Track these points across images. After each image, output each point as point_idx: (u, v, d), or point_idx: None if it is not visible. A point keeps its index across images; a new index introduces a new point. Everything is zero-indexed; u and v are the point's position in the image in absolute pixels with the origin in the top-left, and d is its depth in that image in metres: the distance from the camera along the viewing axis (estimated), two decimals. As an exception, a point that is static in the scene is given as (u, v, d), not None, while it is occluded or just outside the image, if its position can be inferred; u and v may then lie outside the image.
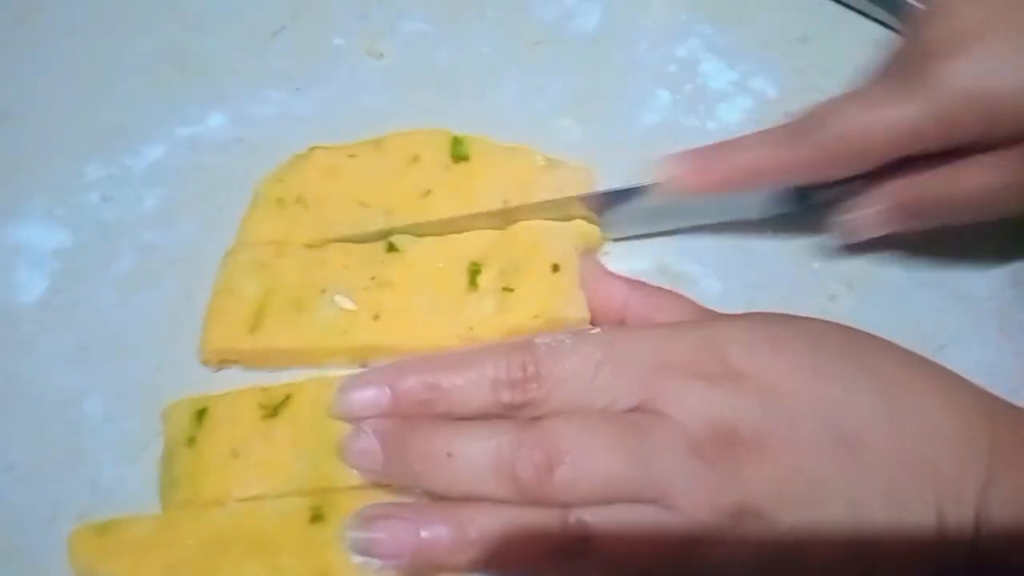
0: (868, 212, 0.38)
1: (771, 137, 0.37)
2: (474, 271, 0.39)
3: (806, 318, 0.33)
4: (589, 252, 0.40)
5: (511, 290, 0.38)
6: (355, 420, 0.34)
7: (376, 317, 0.39)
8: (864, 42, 0.48)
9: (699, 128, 0.47)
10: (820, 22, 0.51)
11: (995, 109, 0.34)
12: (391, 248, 0.41)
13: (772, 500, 0.29)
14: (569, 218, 0.40)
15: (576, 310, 0.37)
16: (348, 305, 0.39)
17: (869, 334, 0.33)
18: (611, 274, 0.39)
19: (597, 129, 0.47)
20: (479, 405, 0.32)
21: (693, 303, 0.37)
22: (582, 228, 0.40)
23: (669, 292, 0.38)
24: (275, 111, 0.49)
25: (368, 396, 0.33)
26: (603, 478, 0.30)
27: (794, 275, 0.41)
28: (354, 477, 0.34)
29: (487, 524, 0.30)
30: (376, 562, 0.31)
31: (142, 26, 0.52)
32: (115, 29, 0.52)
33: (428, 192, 0.42)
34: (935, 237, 0.41)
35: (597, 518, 0.30)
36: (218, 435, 0.36)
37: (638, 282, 0.39)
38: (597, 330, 0.34)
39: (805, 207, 0.40)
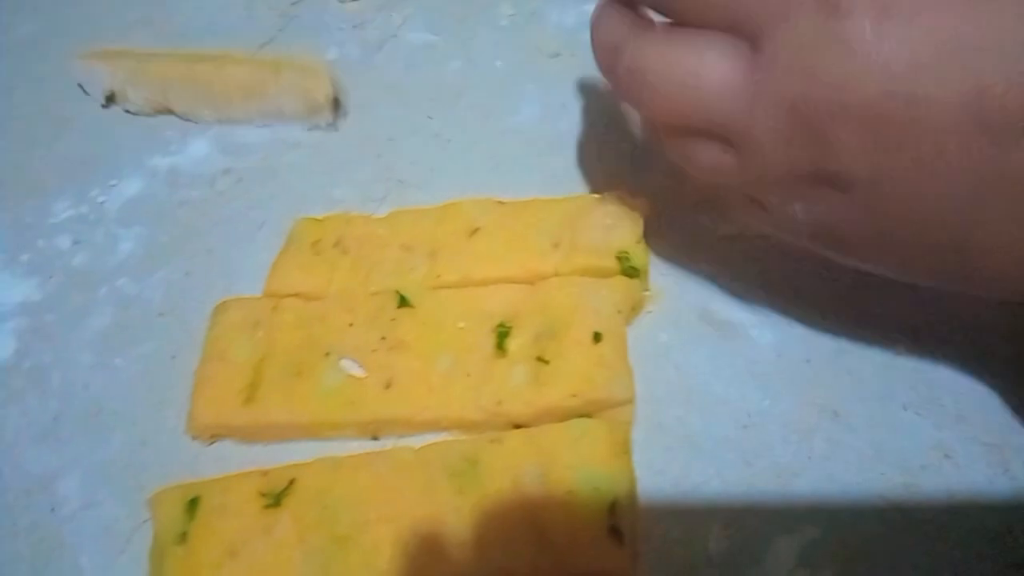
0: None
1: None
2: (502, 334, 0.34)
3: None
4: (633, 313, 0.36)
5: (546, 361, 0.33)
6: None
7: (388, 385, 0.34)
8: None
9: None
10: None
11: None
12: (403, 302, 0.36)
13: (858, 168, 0.27)
14: (620, 254, 0.36)
15: (621, 390, 0.32)
16: (356, 371, 0.34)
17: None
18: None
19: (626, 152, 0.42)
20: None
21: None
22: (624, 285, 0.35)
23: None
24: (265, 137, 0.44)
25: None
26: (680, 89, 0.29)
27: (853, 323, 0.37)
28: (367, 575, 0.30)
29: None
30: None
31: (114, 42, 0.47)
32: (83, 44, 0.47)
33: (476, 230, 0.38)
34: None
35: None
36: (213, 530, 0.32)
37: None
38: None
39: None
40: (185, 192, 0.43)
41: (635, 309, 0.36)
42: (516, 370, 0.34)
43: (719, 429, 0.34)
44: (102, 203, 0.43)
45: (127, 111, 0.45)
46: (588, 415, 0.33)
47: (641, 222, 0.38)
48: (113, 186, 0.43)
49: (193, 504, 0.32)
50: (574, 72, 0.45)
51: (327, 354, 0.35)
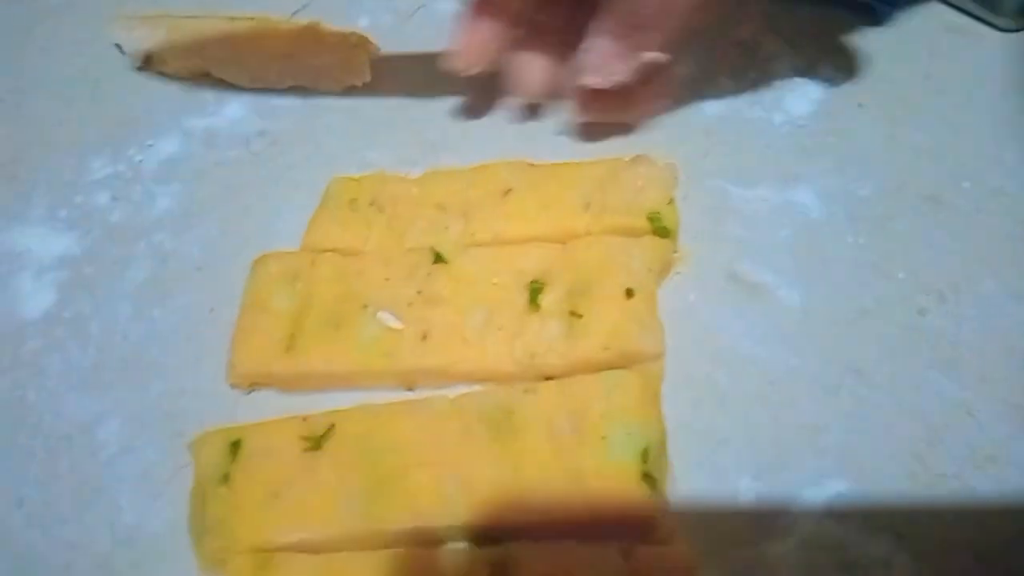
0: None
1: None
2: (536, 289, 0.35)
3: None
4: (663, 273, 0.37)
5: (579, 315, 0.34)
6: None
7: (424, 337, 0.35)
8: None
9: (765, 119, 0.43)
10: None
11: None
12: (438, 259, 0.37)
13: None
14: (651, 214, 0.37)
15: (653, 344, 0.33)
16: (393, 323, 0.35)
17: None
18: None
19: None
20: None
21: None
22: (655, 245, 0.36)
23: None
24: (299, 100, 0.45)
25: None
26: None
27: (880, 285, 0.38)
28: (408, 517, 0.31)
29: None
30: None
31: (152, 3, 0.48)
32: (120, 7, 0.48)
33: (508, 191, 0.38)
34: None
35: None
36: (255, 472, 0.32)
37: None
38: None
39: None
40: (221, 152, 0.43)
41: (665, 269, 0.37)
42: (549, 324, 0.34)
43: (746, 385, 0.35)
44: (139, 162, 0.43)
45: (163, 74, 0.46)
46: (620, 368, 0.34)
47: (673, 184, 0.38)
48: (150, 146, 0.44)
49: (235, 447, 0.33)
50: None
51: (365, 307, 0.36)
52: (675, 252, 0.38)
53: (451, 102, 0.45)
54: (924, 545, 0.31)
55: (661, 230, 0.37)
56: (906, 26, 0.46)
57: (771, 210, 0.40)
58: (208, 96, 0.46)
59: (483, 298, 0.35)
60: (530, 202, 0.38)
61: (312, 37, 0.44)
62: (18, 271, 0.40)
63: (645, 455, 0.31)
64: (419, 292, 0.36)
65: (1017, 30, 0.46)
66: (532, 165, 0.40)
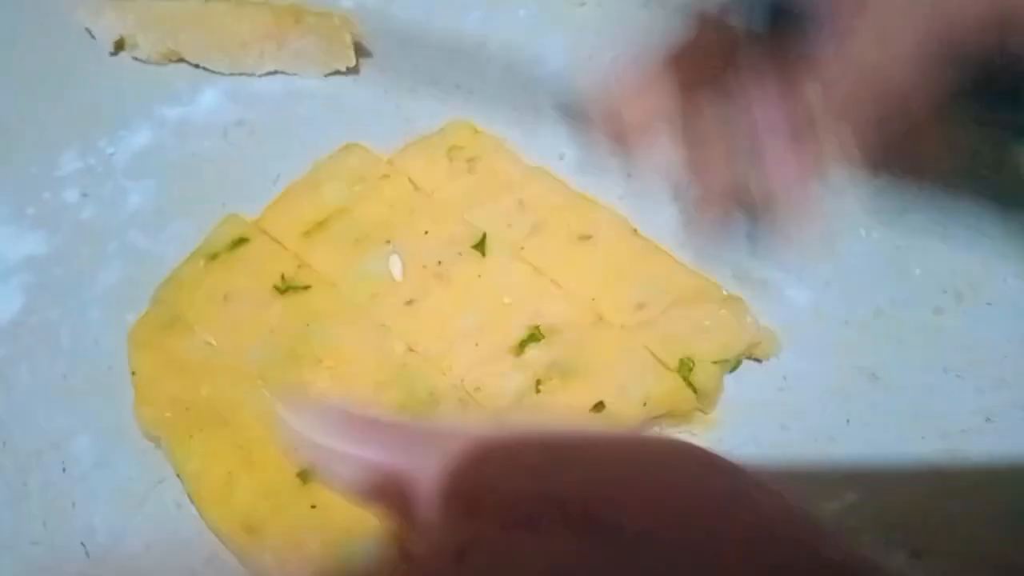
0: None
1: None
2: (533, 337, 0.34)
3: None
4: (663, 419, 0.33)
5: (538, 391, 0.33)
6: None
7: (409, 302, 0.35)
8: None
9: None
10: None
11: None
12: (479, 244, 0.36)
13: None
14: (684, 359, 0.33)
15: None
16: (396, 272, 0.36)
17: None
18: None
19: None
20: None
21: None
22: (669, 389, 0.33)
23: None
24: (278, 87, 0.43)
25: None
26: None
27: (894, 283, 0.36)
28: None
29: None
30: None
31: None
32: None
33: (588, 237, 0.37)
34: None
35: None
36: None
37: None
38: None
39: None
40: (196, 143, 0.42)
41: (671, 417, 0.33)
42: (514, 374, 0.33)
43: (754, 392, 0.34)
44: (111, 155, 0.42)
45: (136, 59, 0.44)
46: None
47: (737, 347, 0.34)
48: (122, 137, 0.42)
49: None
50: (603, 22, 0.44)
51: (388, 241, 0.36)
52: (701, 410, 0.34)
53: (438, 87, 0.43)
54: (939, 560, 0.30)
55: (687, 382, 0.33)
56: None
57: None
58: (182, 83, 0.44)
59: (483, 308, 0.34)
60: (597, 263, 0.36)
61: (292, 18, 0.42)
62: (-18, 273, 0.38)
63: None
64: (439, 263, 0.36)
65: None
66: (634, 231, 0.37)
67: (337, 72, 0.43)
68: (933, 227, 0.37)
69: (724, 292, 0.35)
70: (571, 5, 0.45)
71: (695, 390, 0.32)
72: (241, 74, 0.43)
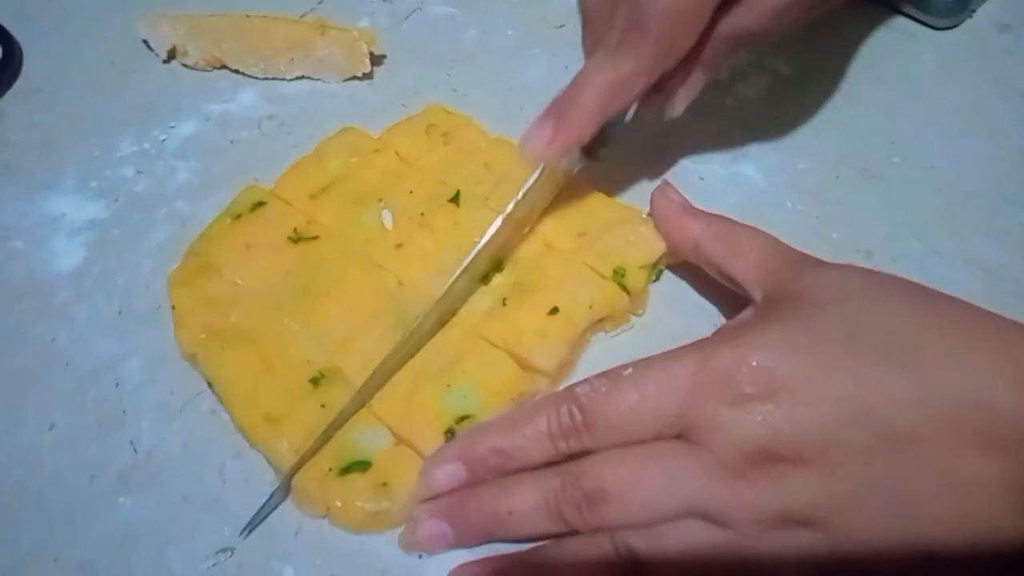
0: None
1: (603, 60, 0.36)
2: (495, 266, 0.40)
3: (861, 290, 0.32)
4: (607, 323, 0.39)
5: (504, 304, 0.39)
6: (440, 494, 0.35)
7: (399, 246, 0.41)
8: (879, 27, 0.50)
9: (718, 105, 0.48)
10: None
11: None
12: (455, 198, 0.43)
13: (819, 507, 0.28)
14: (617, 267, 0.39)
15: (542, 360, 0.37)
16: (387, 222, 0.42)
17: (927, 299, 0.31)
18: (686, 210, 0.39)
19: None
20: (543, 457, 0.33)
21: (770, 239, 0.37)
22: (609, 291, 0.39)
23: (744, 228, 0.37)
24: (305, 89, 0.50)
25: (447, 473, 0.34)
26: (641, 507, 0.30)
27: (814, 244, 0.42)
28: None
29: (549, 555, 0.32)
30: None
31: (172, 4, 0.53)
32: (145, 5, 0.53)
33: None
34: (952, 207, 0.43)
35: (644, 542, 0.30)
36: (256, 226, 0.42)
37: (715, 218, 0.38)
38: (629, 370, 0.32)
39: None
40: (234, 133, 0.48)
41: (612, 318, 0.39)
42: (484, 297, 0.39)
43: (680, 304, 0.39)
44: (162, 141, 0.48)
45: (185, 65, 0.51)
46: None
47: (654, 254, 0.40)
48: (172, 127, 0.49)
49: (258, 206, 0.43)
50: (577, 41, 0.50)
51: (380, 200, 0.43)
52: (637, 313, 0.40)
53: (439, 91, 0.50)
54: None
55: (621, 286, 0.39)
56: (852, 26, 0.51)
57: (719, 181, 0.45)
58: (224, 85, 0.51)
59: (457, 247, 0.40)
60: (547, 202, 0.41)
61: (318, 32, 0.49)
62: (52, 233, 0.45)
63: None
64: (422, 214, 0.42)
65: (948, 28, 0.51)
66: (575, 178, 0.42)
67: (354, 78, 0.50)
68: (849, 201, 0.44)
69: (644, 215, 0.41)
70: (552, 27, 0.52)
71: (628, 292, 0.39)
72: (274, 78, 0.51)
